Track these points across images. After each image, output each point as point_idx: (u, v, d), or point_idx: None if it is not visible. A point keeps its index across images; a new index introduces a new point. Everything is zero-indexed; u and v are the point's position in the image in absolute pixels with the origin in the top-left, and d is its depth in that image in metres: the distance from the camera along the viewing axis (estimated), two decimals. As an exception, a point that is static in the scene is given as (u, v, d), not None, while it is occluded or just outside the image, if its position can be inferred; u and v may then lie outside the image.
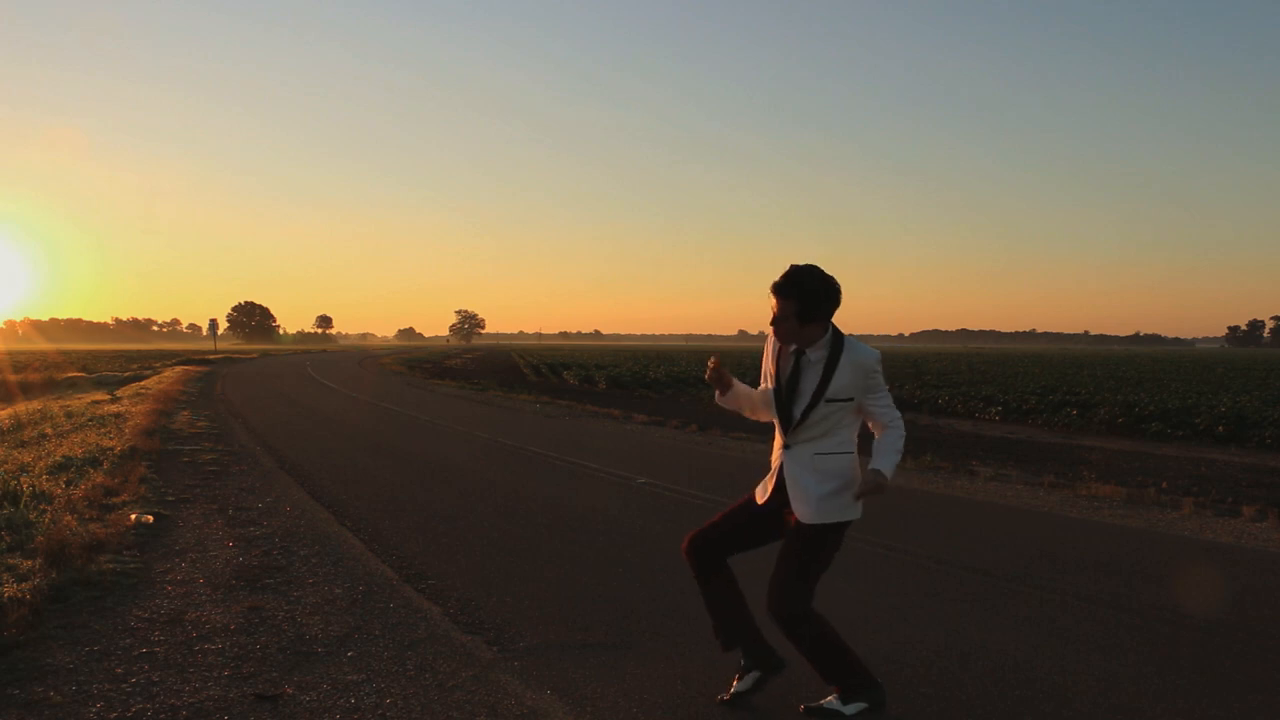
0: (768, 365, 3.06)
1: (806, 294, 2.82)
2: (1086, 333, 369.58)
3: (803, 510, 2.91)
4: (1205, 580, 4.97)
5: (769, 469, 3.10)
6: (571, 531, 6.08)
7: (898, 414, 3.01)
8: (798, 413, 2.91)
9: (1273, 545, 5.82)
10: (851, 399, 2.90)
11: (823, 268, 2.89)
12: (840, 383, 2.86)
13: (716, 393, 3.13)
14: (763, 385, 3.11)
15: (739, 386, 3.11)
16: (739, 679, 3.13)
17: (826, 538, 2.94)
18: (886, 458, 2.93)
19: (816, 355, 2.89)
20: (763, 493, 3.07)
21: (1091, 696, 3.25)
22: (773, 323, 2.91)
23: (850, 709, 2.94)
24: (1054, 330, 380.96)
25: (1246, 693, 3.31)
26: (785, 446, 2.97)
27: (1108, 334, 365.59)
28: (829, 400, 2.87)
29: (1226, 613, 4.30)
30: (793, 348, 2.93)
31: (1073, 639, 3.88)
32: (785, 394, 2.94)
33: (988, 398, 21.22)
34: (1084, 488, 8.04)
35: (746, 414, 3.19)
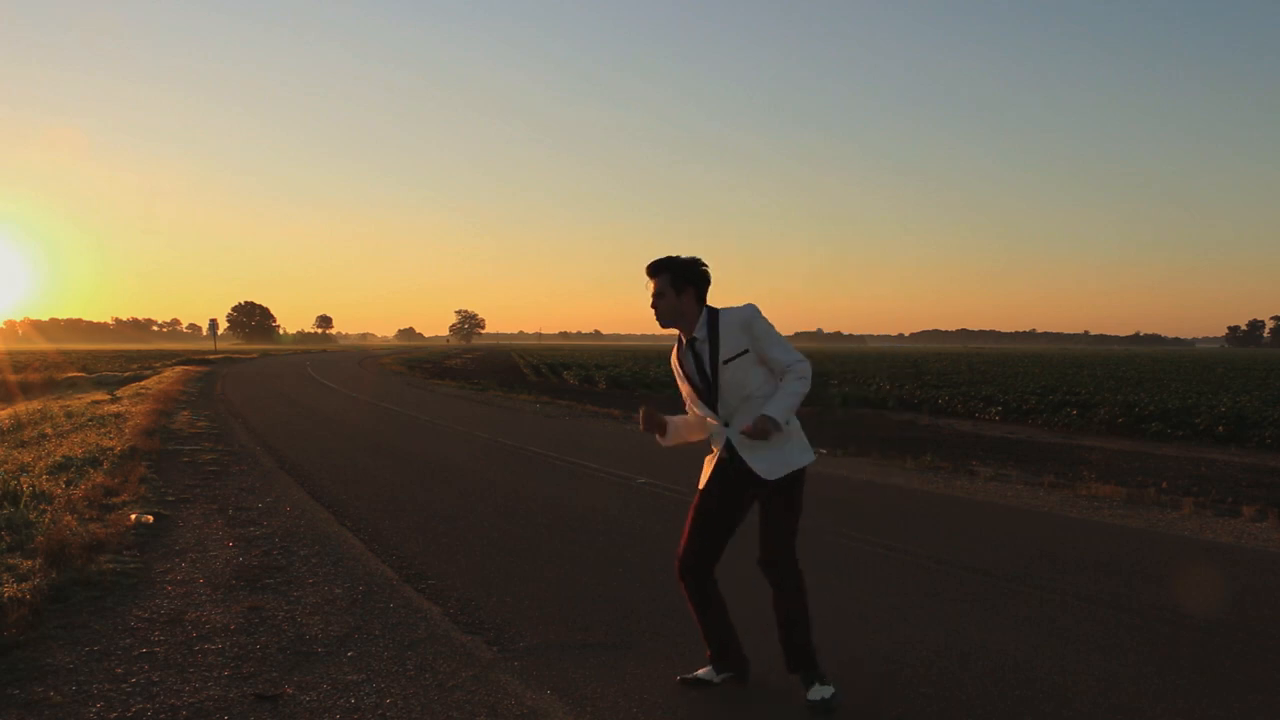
0: (684, 386, 3.26)
1: (675, 267, 3.13)
2: (1086, 333, 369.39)
3: (764, 469, 3.09)
4: (1205, 580, 4.97)
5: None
6: (571, 531, 6.07)
7: (799, 359, 3.12)
8: (710, 378, 3.14)
9: (1273, 545, 5.82)
10: (746, 351, 3.11)
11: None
12: (727, 342, 3.11)
13: (657, 439, 3.37)
14: (688, 407, 3.32)
15: (674, 421, 3.35)
16: (706, 670, 3.30)
17: (794, 486, 3.15)
18: (778, 402, 3.06)
19: (701, 335, 3.15)
20: (703, 478, 3.27)
21: (1091, 696, 3.25)
22: (653, 305, 3.16)
23: (827, 692, 3.08)
24: (1054, 330, 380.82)
25: (1246, 692, 3.30)
26: (725, 425, 3.16)
27: (1108, 334, 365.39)
28: (725, 361, 3.10)
29: (1227, 613, 4.30)
30: (686, 341, 3.19)
31: (1073, 639, 3.87)
32: (697, 376, 3.17)
33: (988, 398, 21.19)
34: (1084, 488, 8.03)
35: (694, 438, 3.39)
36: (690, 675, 3.31)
